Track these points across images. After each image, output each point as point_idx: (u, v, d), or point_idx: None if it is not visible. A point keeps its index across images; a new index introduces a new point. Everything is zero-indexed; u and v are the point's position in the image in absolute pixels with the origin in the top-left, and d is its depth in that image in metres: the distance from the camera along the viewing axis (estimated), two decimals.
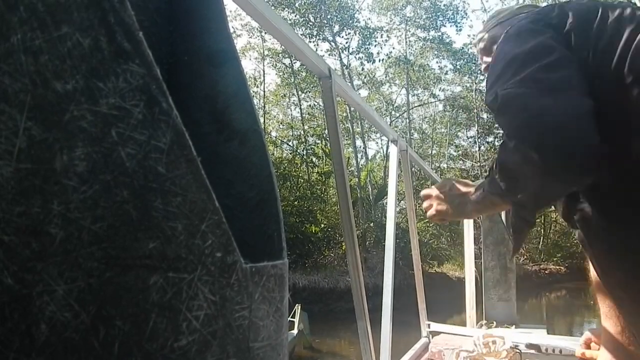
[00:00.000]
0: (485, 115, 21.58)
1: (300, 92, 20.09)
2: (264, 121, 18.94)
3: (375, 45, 20.45)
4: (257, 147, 0.39)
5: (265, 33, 15.76)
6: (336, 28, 19.34)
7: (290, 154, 19.43)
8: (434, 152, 23.13)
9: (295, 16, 18.16)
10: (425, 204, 1.19)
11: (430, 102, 23.26)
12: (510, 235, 1.04)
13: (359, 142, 20.05)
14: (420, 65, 21.91)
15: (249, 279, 0.31)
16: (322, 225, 15.73)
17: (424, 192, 1.23)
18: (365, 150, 20.70)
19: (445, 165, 22.97)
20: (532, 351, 1.52)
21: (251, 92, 0.42)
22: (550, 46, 0.85)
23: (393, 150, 2.38)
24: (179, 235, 0.28)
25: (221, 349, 0.29)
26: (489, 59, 1.16)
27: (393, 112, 22.08)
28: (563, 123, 0.78)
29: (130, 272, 0.27)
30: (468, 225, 4.16)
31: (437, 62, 24.94)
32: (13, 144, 0.25)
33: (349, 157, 17.87)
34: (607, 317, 1.07)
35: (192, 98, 0.41)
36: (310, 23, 18.56)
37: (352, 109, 15.06)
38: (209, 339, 0.29)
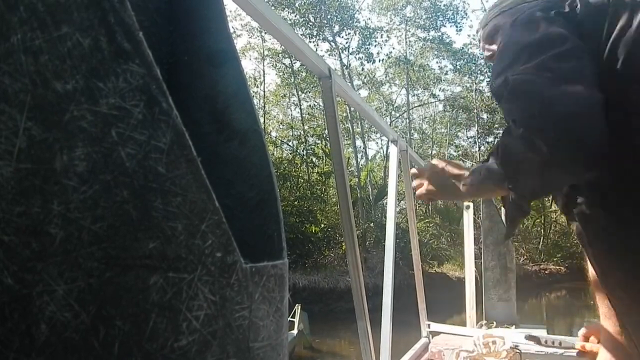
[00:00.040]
0: (485, 116, 21.60)
1: (300, 92, 20.09)
2: (264, 121, 18.94)
3: (375, 46, 20.46)
4: (257, 147, 0.39)
5: (265, 33, 15.76)
6: (336, 28, 19.34)
7: (290, 154, 19.43)
8: (434, 152, 23.12)
9: (295, 16, 18.16)
10: (415, 183, 1.17)
11: (430, 102, 23.27)
12: (504, 222, 1.03)
13: (359, 142, 20.06)
14: (420, 65, 21.92)
15: (249, 279, 0.31)
16: (322, 225, 15.73)
17: (414, 170, 1.20)
18: (365, 150, 20.71)
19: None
20: (532, 343, 1.52)
21: (251, 92, 0.42)
22: (563, 35, 0.84)
23: (393, 151, 2.38)
24: (179, 235, 0.28)
25: (221, 349, 0.29)
26: (491, 47, 1.14)
27: (393, 112, 22.09)
28: (574, 114, 0.77)
29: (130, 272, 0.27)
30: (468, 225, 4.16)
31: (437, 62, 24.97)
32: (13, 144, 0.25)
33: (349, 157, 17.88)
34: (607, 317, 1.07)
35: (192, 98, 0.41)
36: (310, 23, 18.56)
37: (352, 109, 15.06)
38: (209, 339, 0.29)
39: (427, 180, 1.12)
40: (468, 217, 4.19)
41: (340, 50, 19.55)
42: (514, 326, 3.81)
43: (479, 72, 22.04)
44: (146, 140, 0.27)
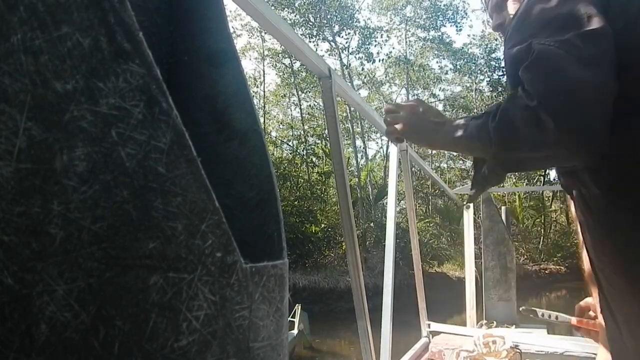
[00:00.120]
0: None
1: (300, 92, 20.10)
2: (264, 121, 18.95)
3: (375, 45, 20.49)
4: (257, 147, 0.39)
5: (265, 33, 15.77)
6: (336, 28, 19.35)
7: (290, 154, 19.44)
8: (434, 152, 23.11)
9: (295, 16, 18.16)
10: (389, 117, 1.10)
11: (430, 102, 23.26)
12: (474, 183, 0.99)
13: (359, 142, 20.07)
14: (420, 65, 21.92)
15: (249, 279, 0.31)
16: (322, 225, 15.73)
17: (390, 106, 1.13)
18: (365, 150, 20.72)
19: (445, 165, 22.98)
20: (530, 316, 1.52)
21: (251, 92, 0.42)
22: (592, 14, 0.80)
23: (393, 150, 2.38)
24: (179, 235, 0.28)
25: (221, 349, 0.29)
26: (500, 15, 1.11)
27: None
28: (595, 101, 0.75)
29: (130, 272, 0.27)
30: (468, 225, 4.16)
31: (437, 62, 24.98)
32: (13, 144, 0.25)
33: (349, 157, 17.88)
34: (601, 309, 1.07)
35: (192, 98, 0.41)
36: (310, 23, 18.56)
37: (352, 109, 15.07)
38: (209, 339, 0.29)
39: (403, 119, 1.06)
40: (468, 217, 4.19)
41: (340, 50, 19.56)
42: (514, 326, 3.81)
43: (479, 72, 22.06)
44: (146, 140, 0.27)
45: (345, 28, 19.57)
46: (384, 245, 2.18)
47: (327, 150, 16.63)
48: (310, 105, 20.86)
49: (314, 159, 18.81)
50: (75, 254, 0.26)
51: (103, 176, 0.26)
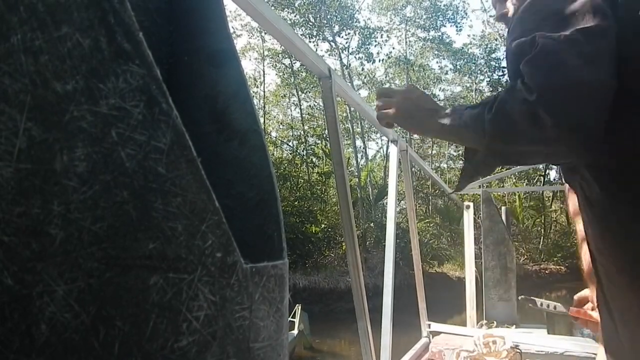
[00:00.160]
0: None
1: (300, 93, 20.10)
2: (264, 121, 18.95)
3: (375, 45, 20.50)
4: (257, 147, 0.39)
5: (265, 33, 15.77)
6: (336, 28, 19.35)
7: (290, 154, 19.44)
8: (434, 152, 23.13)
9: (295, 16, 18.17)
10: (381, 101, 1.07)
11: None
12: (463, 173, 0.97)
13: (359, 142, 20.07)
14: (420, 65, 21.93)
15: (249, 279, 0.31)
16: (322, 226, 15.73)
17: (383, 90, 1.10)
18: (365, 150, 20.72)
19: (445, 165, 22.99)
20: (530, 305, 1.53)
21: (251, 92, 0.42)
22: (598, 8, 0.78)
23: (393, 150, 2.38)
24: (179, 235, 0.28)
25: (221, 349, 0.29)
26: (504, 5, 1.10)
27: None
28: (594, 99, 0.74)
29: (130, 272, 0.27)
30: (468, 225, 4.16)
31: (437, 62, 24.99)
32: (13, 144, 0.25)
33: (349, 157, 17.88)
34: (601, 304, 1.06)
35: (192, 98, 0.41)
36: (310, 23, 18.57)
37: (352, 109, 15.07)
38: (209, 340, 0.29)
39: (396, 104, 1.04)
40: (468, 217, 4.19)
41: (340, 50, 19.57)
42: (514, 326, 3.81)
43: (479, 72, 22.06)
44: (146, 141, 0.27)
45: (345, 28, 19.58)
46: (384, 245, 2.18)
47: (327, 151, 16.63)
48: (310, 106, 20.87)
49: (314, 159, 18.82)
50: (75, 254, 0.26)
51: (103, 176, 0.26)
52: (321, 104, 13.21)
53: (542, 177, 21.29)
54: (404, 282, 9.71)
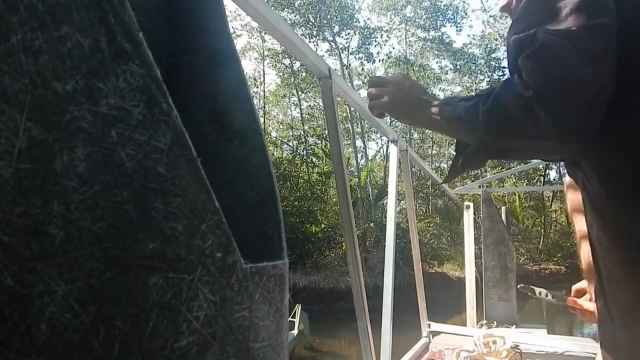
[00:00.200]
0: None
1: (300, 92, 20.10)
2: (264, 121, 18.95)
3: (375, 45, 20.51)
4: (257, 147, 0.39)
5: (265, 33, 15.77)
6: (336, 28, 19.35)
7: (290, 154, 19.44)
8: (434, 152, 23.13)
9: (295, 16, 18.17)
10: (374, 90, 1.06)
11: None
12: (453, 165, 0.96)
13: (359, 142, 20.07)
14: (420, 65, 21.94)
15: (249, 279, 0.31)
16: (322, 226, 15.73)
17: (375, 78, 1.09)
18: (365, 150, 20.72)
19: (445, 165, 22.97)
20: (528, 293, 1.55)
21: (251, 92, 0.42)
22: (603, 5, 0.77)
23: (393, 151, 2.38)
24: (179, 235, 0.28)
25: (221, 349, 0.29)
26: None
27: None
28: (590, 99, 0.73)
29: (130, 272, 0.27)
30: (468, 225, 4.16)
31: (437, 62, 24.95)
32: (13, 144, 0.25)
33: (349, 157, 17.89)
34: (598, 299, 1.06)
35: (192, 98, 0.41)
36: (310, 23, 18.57)
37: (352, 109, 15.06)
38: (209, 340, 0.29)
39: (388, 93, 1.03)
40: (468, 217, 4.19)
41: (340, 50, 19.57)
42: (514, 326, 3.81)
43: (479, 72, 22.06)
44: (146, 141, 0.27)
45: (345, 28, 19.59)
46: (384, 245, 2.18)
47: (327, 151, 16.63)
48: (310, 106, 20.87)
49: (314, 159, 18.82)
50: (75, 254, 0.26)
51: (103, 176, 0.26)
52: (321, 104, 13.21)
53: (542, 177, 21.29)
54: (404, 282, 9.71)
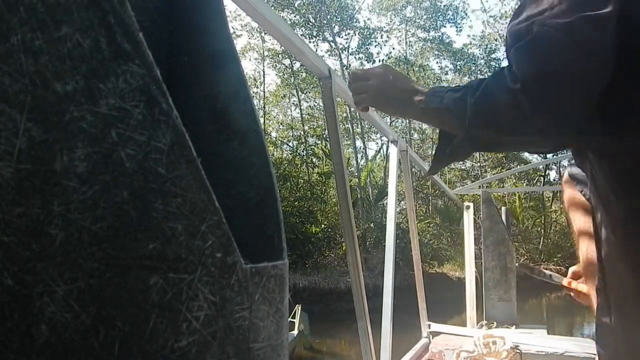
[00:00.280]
0: None
1: (300, 93, 20.11)
2: (264, 122, 18.96)
3: (375, 46, 20.51)
4: (257, 147, 0.39)
5: (265, 33, 15.78)
6: (336, 28, 19.36)
7: (290, 154, 19.45)
8: (433, 152, 23.10)
9: (295, 16, 18.18)
10: (357, 85, 1.04)
11: None
12: (438, 156, 0.95)
13: (359, 143, 20.07)
14: (420, 66, 21.95)
15: (249, 279, 0.31)
16: (323, 226, 15.74)
17: (357, 73, 1.06)
18: (365, 150, 20.72)
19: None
20: (527, 272, 1.57)
21: (251, 92, 0.42)
22: None
23: (393, 151, 2.38)
24: (179, 235, 0.28)
25: (221, 349, 0.29)
26: None
27: None
28: (581, 94, 0.72)
29: (130, 272, 0.27)
30: (468, 226, 4.16)
31: (437, 62, 24.96)
32: (13, 144, 0.25)
33: (349, 158, 17.89)
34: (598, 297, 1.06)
35: (192, 98, 0.41)
36: (310, 23, 18.57)
37: (352, 109, 15.06)
38: (209, 340, 0.29)
39: (373, 88, 1.01)
40: (468, 217, 4.19)
41: (340, 51, 19.58)
42: (514, 326, 3.81)
43: (479, 72, 22.05)
44: (146, 141, 0.27)
45: (345, 28, 19.60)
46: (384, 245, 2.18)
47: (327, 151, 16.64)
48: (310, 106, 20.87)
49: (314, 160, 18.83)
50: (75, 254, 0.26)
51: (103, 177, 0.26)
52: (321, 104, 13.21)
53: (542, 178, 21.30)
54: (404, 283, 9.70)
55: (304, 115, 20.41)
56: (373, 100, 1.03)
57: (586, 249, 1.15)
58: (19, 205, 0.25)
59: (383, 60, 20.74)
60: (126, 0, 0.27)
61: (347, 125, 18.66)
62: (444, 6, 21.73)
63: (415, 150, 2.83)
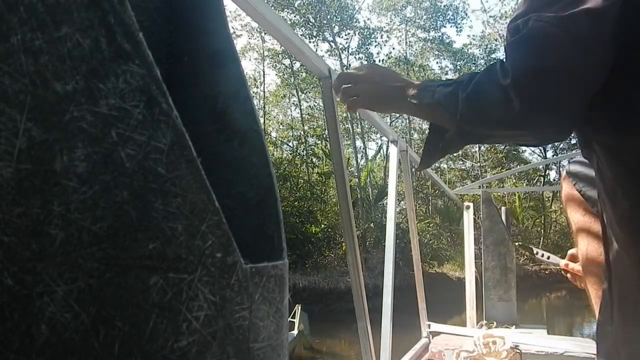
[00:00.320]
0: None
1: (300, 93, 20.10)
2: (264, 122, 18.96)
3: (375, 46, 20.53)
4: (257, 147, 0.39)
5: (265, 33, 15.77)
6: (336, 28, 19.36)
7: (290, 154, 19.45)
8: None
9: (295, 17, 18.18)
10: (346, 88, 1.03)
11: None
12: (429, 149, 0.95)
13: (359, 143, 20.07)
14: (421, 66, 21.96)
15: (249, 279, 0.31)
16: (322, 226, 15.74)
17: (343, 76, 1.05)
18: (365, 150, 20.72)
19: (445, 166, 22.98)
20: (527, 254, 1.62)
21: (251, 92, 0.42)
22: None
23: (393, 151, 2.38)
24: (179, 235, 0.28)
25: (221, 349, 0.29)
26: None
27: (393, 113, 22.07)
28: (574, 90, 0.71)
29: (130, 272, 0.27)
30: (468, 226, 4.16)
31: (437, 62, 24.97)
32: (13, 144, 0.25)
33: (349, 158, 17.89)
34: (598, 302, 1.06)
35: (192, 98, 0.41)
36: (310, 23, 18.57)
37: None
38: (209, 340, 0.29)
39: (362, 90, 1.01)
40: (468, 218, 4.19)
41: (340, 51, 19.58)
42: (514, 326, 3.81)
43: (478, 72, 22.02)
44: (146, 141, 0.27)
45: (345, 28, 19.60)
46: (384, 245, 2.17)
47: (327, 151, 16.64)
48: (310, 106, 20.88)
49: (314, 160, 18.83)
50: (75, 254, 0.26)
51: (103, 177, 0.26)
52: (321, 104, 13.20)
53: (542, 178, 21.30)
54: (403, 283, 9.70)
55: (304, 115, 20.41)
56: (364, 103, 1.03)
57: (586, 248, 1.15)
58: (19, 205, 0.25)
59: (383, 60, 20.76)
60: (126, 0, 0.27)
61: (347, 125, 18.66)
62: (444, 6, 21.74)
63: (415, 150, 2.83)
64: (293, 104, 21.53)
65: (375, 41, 20.35)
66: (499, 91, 0.73)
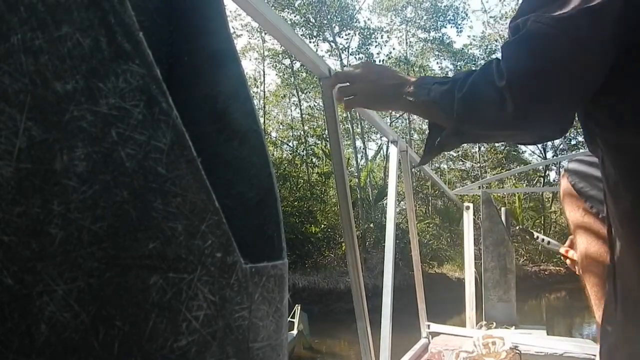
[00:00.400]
0: None
1: (300, 93, 20.10)
2: (264, 122, 18.96)
3: (375, 46, 20.50)
4: (257, 147, 0.39)
5: (266, 33, 15.79)
6: (336, 28, 19.35)
7: (290, 154, 19.44)
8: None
9: (295, 17, 18.18)
10: (343, 88, 1.04)
11: None
12: (428, 146, 0.96)
13: (358, 143, 20.06)
14: (421, 66, 21.93)
15: (248, 279, 0.31)
16: (322, 226, 15.73)
17: (340, 76, 1.06)
18: (365, 150, 20.71)
19: (445, 166, 22.98)
20: (527, 237, 1.63)
21: (251, 92, 0.42)
22: None
23: (393, 151, 2.38)
24: (179, 235, 0.28)
25: (221, 349, 0.29)
26: None
27: (393, 113, 22.09)
28: (569, 92, 0.71)
29: (130, 272, 0.27)
30: (468, 226, 4.16)
31: (437, 62, 24.97)
32: (13, 144, 0.25)
33: (348, 158, 17.88)
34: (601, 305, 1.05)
35: (192, 98, 0.41)
36: (310, 23, 18.57)
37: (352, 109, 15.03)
38: (209, 340, 0.29)
39: (359, 89, 1.02)
40: (468, 218, 4.19)
41: (341, 51, 19.57)
42: (513, 327, 3.81)
43: None
44: (146, 141, 0.27)
45: (345, 28, 19.59)
46: (384, 245, 2.17)
47: (327, 151, 16.64)
48: (310, 106, 20.87)
49: (313, 160, 18.82)
50: (75, 254, 0.26)
51: (103, 176, 0.26)
52: (321, 104, 13.20)
53: (542, 178, 21.31)
54: (403, 283, 9.70)
55: (304, 115, 20.41)
56: (361, 102, 1.04)
57: (584, 247, 1.14)
58: (19, 205, 0.25)
59: (383, 60, 20.75)
60: (126, 0, 0.27)
61: (347, 125, 18.66)
62: (445, 7, 21.74)
63: (415, 151, 2.83)
64: (293, 104, 21.54)
65: (376, 41, 20.34)
66: (494, 92, 0.73)
